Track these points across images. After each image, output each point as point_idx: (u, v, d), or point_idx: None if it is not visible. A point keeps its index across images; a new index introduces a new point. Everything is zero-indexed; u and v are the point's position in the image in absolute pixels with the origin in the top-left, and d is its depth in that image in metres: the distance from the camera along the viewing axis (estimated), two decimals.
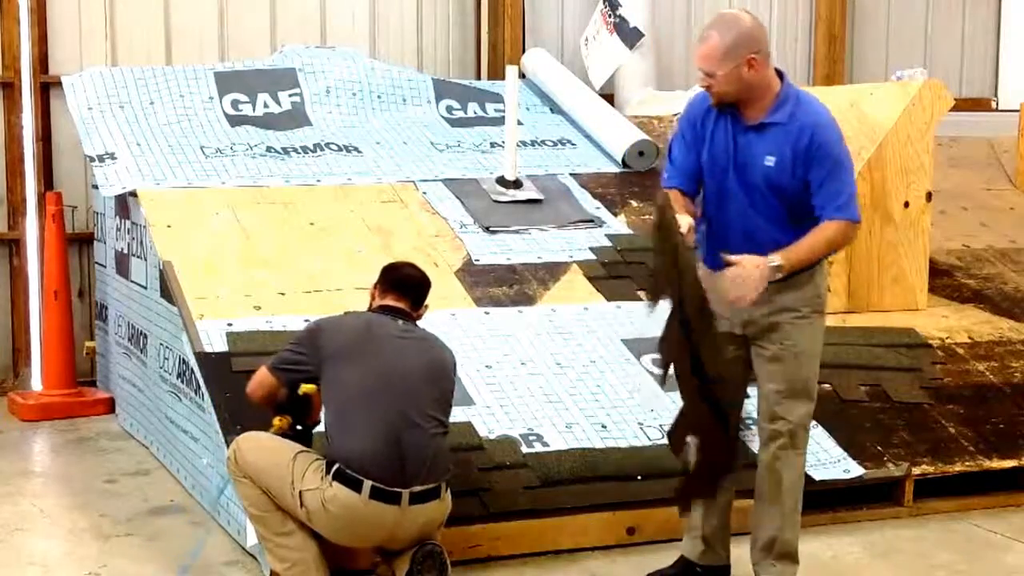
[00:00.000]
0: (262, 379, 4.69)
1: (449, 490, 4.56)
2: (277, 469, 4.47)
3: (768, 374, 4.47)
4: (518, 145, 7.49)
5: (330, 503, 4.37)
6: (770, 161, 4.35)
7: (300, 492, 4.41)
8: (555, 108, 8.64)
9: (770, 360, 4.45)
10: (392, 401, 4.44)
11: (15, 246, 8.40)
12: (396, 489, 4.36)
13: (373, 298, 4.79)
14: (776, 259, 4.23)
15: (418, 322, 4.80)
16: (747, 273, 4.20)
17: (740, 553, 4.76)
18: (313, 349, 4.62)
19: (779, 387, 4.45)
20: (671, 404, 5.23)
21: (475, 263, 6.59)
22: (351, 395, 4.48)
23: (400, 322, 4.67)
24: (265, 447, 4.58)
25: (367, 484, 4.34)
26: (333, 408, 4.52)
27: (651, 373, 5.79)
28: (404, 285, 4.77)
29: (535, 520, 5.11)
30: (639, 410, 5.67)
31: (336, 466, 4.38)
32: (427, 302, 4.85)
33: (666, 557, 4.86)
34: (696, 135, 4.50)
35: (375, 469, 4.35)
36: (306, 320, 5.84)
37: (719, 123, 4.46)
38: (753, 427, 4.58)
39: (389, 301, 4.72)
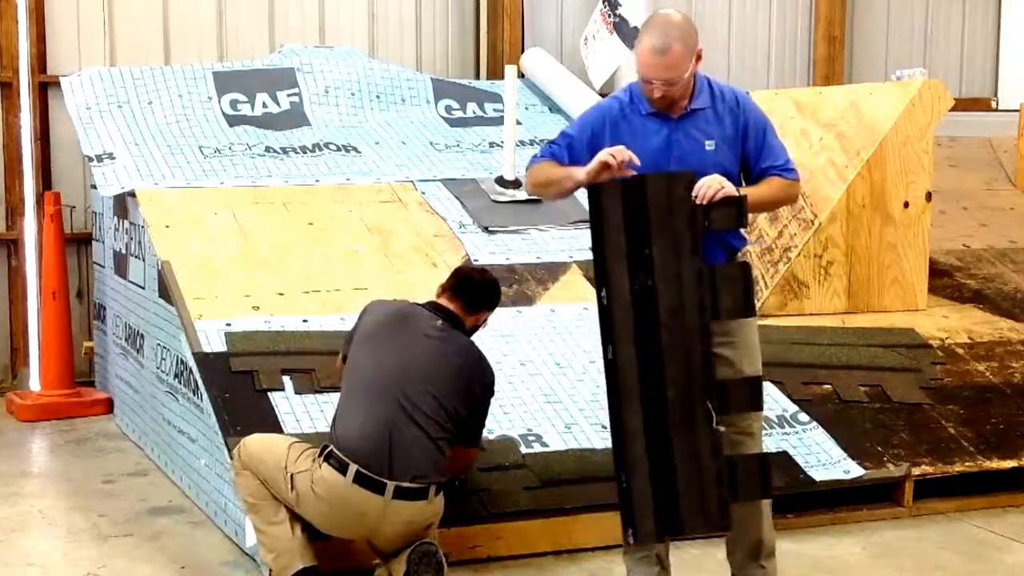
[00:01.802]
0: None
1: (440, 494, 4.54)
2: (274, 458, 4.53)
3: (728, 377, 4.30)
4: (517, 145, 7.47)
5: (317, 484, 4.41)
6: (711, 145, 4.27)
7: (291, 475, 4.46)
8: (554, 108, 8.62)
9: (726, 363, 4.26)
10: (396, 395, 4.45)
11: (13, 246, 8.38)
12: (381, 479, 4.37)
13: (436, 295, 4.83)
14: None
15: (479, 328, 4.81)
16: (710, 178, 4.10)
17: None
18: (354, 328, 4.76)
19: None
20: None
21: (474, 263, 6.57)
22: (361, 380, 4.54)
23: (440, 322, 4.67)
24: (267, 441, 4.67)
25: (352, 468, 4.37)
26: (344, 388, 4.59)
27: None
28: (460, 287, 4.79)
29: (535, 520, 5.10)
30: None
31: (328, 448, 4.43)
32: (491, 311, 4.85)
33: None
34: (609, 141, 4.28)
35: (363, 456, 4.38)
36: (304, 320, 5.86)
37: (641, 125, 4.31)
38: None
39: (442, 300, 4.77)
